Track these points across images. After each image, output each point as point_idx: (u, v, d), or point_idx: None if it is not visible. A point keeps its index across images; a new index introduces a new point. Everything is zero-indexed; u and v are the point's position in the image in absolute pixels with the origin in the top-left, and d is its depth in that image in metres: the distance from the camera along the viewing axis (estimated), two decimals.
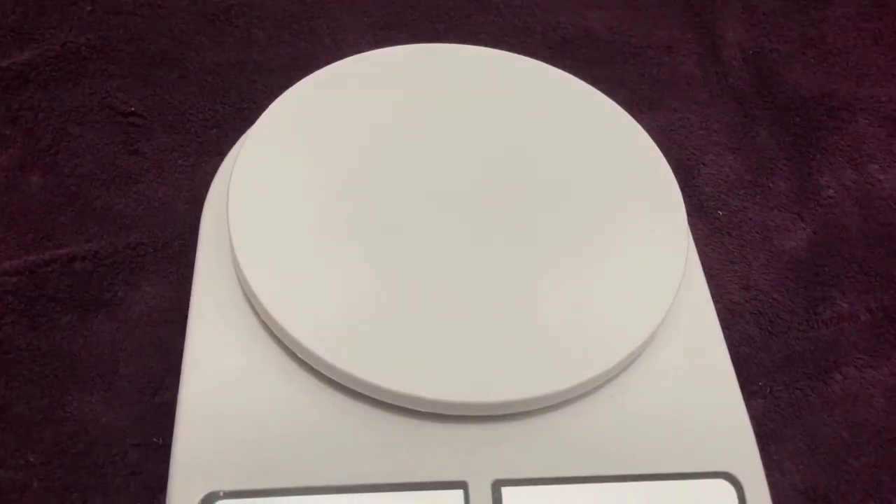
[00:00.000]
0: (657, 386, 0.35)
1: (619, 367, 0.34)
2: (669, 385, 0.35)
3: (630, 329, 0.34)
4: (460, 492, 0.32)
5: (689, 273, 0.39)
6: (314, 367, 0.33)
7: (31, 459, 0.34)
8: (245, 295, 0.35)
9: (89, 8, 0.50)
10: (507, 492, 0.32)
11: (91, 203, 0.42)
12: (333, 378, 0.33)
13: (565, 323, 0.34)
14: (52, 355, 0.37)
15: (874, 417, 0.39)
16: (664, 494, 0.33)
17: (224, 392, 0.33)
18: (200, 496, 0.31)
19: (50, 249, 0.40)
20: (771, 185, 0.47)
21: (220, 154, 0.41)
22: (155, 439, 0.35)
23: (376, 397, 0.33)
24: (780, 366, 0.40)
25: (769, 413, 0.39)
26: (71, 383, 0.36)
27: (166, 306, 0.39)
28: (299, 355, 0.33)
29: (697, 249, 0.40)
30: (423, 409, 0.33)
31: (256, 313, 0.35)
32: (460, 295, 0.34)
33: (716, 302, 0.38)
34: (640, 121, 0.39)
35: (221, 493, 0.31)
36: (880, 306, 0.43)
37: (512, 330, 0.34)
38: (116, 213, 0.42)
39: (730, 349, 0.37)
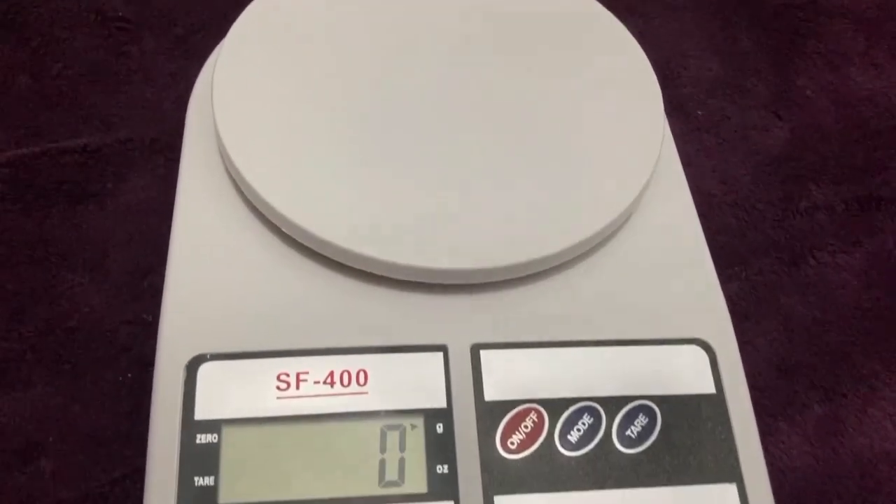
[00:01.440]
0: (633, 261, 0.36)
1: (593, 239, 0.35)
2: (645, 260, 0.36)
3: (606, 203, 0.35)
4: (440, 354, 0.33)
5: (666, 159, 0.40)
6: (297, 239, 0.34)
7: (24, 333, 0.35)
8: (228, 173, 0.36)
9: None
10: (484, 354, 0.33)
11: (79, 103, 0.43)
12: (316, 249, 0.34)
13: (543, 196, 0.35)
14: (43, 241, 0.38)
15: (846, 297, 0.40)
16: (638, 359, 0.34)
17: (210, 262, 0.34)
18: (188, 358, 0.32)
19: (40, 144, 0.41)
20: (749, 86, 0.48)
21: (206, 58, 0.41)
22: (145, 316, 0.36)
23: (356, 266, 0.34)
24: (755, 252, 0.41)
25: (744, 294, 0.40)
26: (62, 267, 0.37)
27: (154, 198, 0.40)
28: (283, 229, 0.34)
29: (676, 147, 0.41)
30: (401, 277, 0.33)
31: (240, 191, 0.35)
32: (440, 168, 0.35)
33: (694, 195, 0.39)
34: None
35: (208, 356, 0.32)
36: (854, 197, 0.44)
37: (491, 202, 0.35)
38: (104, 112, 0.43)
39: (706, 238, 0.37)
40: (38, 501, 0.31)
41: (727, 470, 0.32)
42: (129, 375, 0.35)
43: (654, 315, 0.35)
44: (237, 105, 0.36)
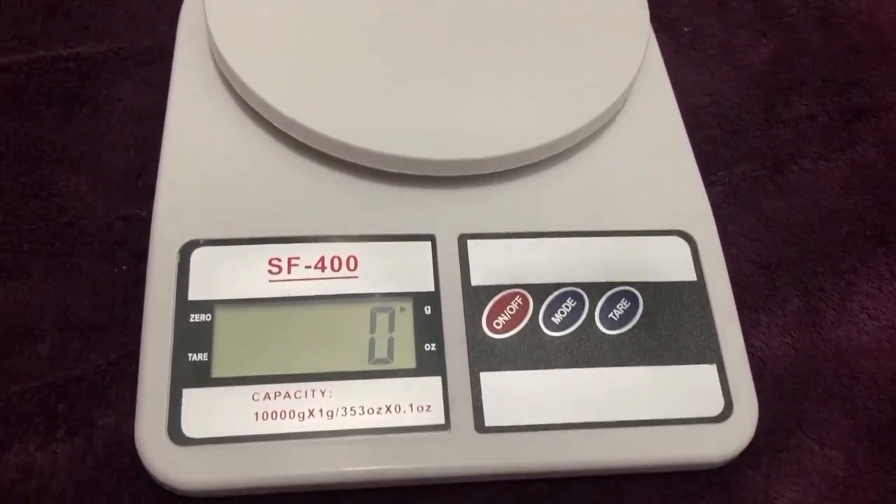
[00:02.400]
0: (617, 158, 0.37)
1: (579, 134, 0.36)
2: (629, 157, 0.37)
3: (591, 99, 0.36)
4: (428, 243, 0.34)
5: (650, 63, 0.40)
6: (287, 131, 0.35)
7: (20, 226, 0.36)
8: (219, 69, 0.36)
9: None
10: (472, 244, 0.34)
11: (72, 14, 0.44)
12: (306, 142, 0.34)
13: (530, 92, 0.36)
14: (38, 142, 0.38)
15: (827, 201, 0.41)
16: (621, 249, 0.35)
17: (203, 155, 0.35)
18: (182, 243, 0.33)
19: (33, 52, 0.41)
20: (735, 4, 0.49)
21: None
22: (139, 212, 0.37)
23: (346, 158, 0.34)
24: (738, 159, 0.42)
25: (727, 198, 0.41)
26: (57, 166, 0.38)
27: (148, 104, 0.41)
28: (273, 122, 0.35)
29: (664, 63, 0.41)
30: (389, 169, 0.34)
31: (231, 87, 0.36)
32: (429, 65, 0.36)
33: (679, 107, 0.39)
34: None
35: (202, 241, 0.33)
36: (837, 108, 0.44)
37: (479, 98, 0.35)
38: (98, 24, 0.43)
39: (691, 146, 0.38)
40: (34, 381, 0.32)
41: (707, 352, 0.33)
42: (124, 268, 0.36)
43: (637, 208, 0.36)
44: (227, 2, 0.37)
